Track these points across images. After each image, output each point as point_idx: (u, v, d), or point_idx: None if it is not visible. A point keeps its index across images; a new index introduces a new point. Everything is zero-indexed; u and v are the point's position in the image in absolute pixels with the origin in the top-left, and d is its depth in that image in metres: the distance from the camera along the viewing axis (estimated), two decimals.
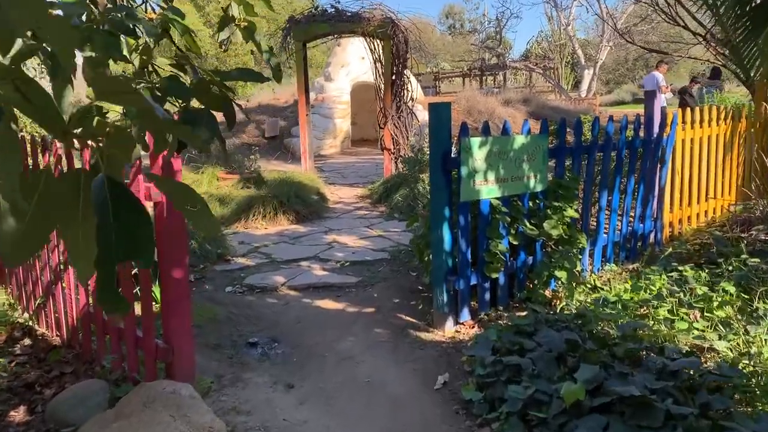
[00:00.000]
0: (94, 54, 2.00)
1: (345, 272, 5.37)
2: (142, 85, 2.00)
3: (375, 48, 9.58)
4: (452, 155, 3.93)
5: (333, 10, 9.48)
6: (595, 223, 5.10)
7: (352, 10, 9.43)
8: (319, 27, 9.42)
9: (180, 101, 2.13)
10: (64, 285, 3.72)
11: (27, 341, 3.88)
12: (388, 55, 9.41)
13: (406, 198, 7.58)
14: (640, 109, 5.63)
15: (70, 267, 3.64)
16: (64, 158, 3.54)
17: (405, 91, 9.69)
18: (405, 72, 9.71)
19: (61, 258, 3.70)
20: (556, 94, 25.97)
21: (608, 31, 25.75)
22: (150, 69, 2.10)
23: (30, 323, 4.14)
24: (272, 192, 7.53)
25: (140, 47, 1.98)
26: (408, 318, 4.27)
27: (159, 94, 2.02)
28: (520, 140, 4.16)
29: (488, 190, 4.00)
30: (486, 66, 27.81)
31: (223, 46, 2.48)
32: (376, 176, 10.60)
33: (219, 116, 2.03)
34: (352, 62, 16.38)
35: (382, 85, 9.61)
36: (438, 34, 53.38)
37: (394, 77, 9.56)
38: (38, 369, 3.45)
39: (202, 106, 2.18)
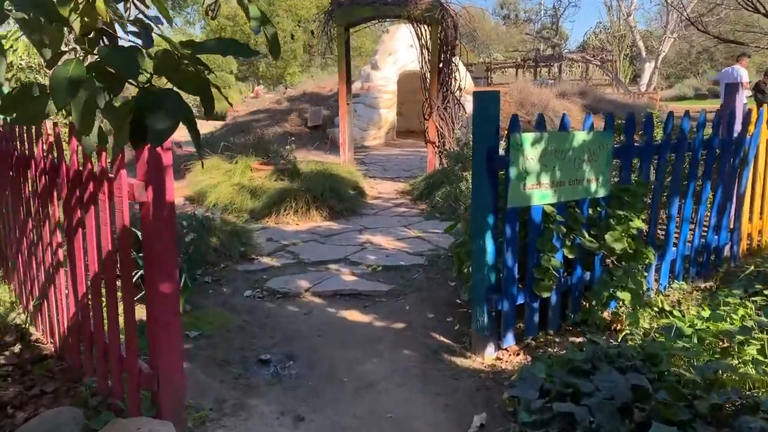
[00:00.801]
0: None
1: (376, 278, 4.86)
2: (76, 56, 1.52)
3: (422, 34, 9.00)
4: (499, 153, 3.36)
5: None
6: (662, 234, 4.44)
7: None
8: (362, 10, 8.89)
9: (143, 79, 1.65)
10: (57, 287, 3.33)
11: (18, 347, 3.50)
12: (436, 41, 8.82)
13: (448, 196, 7.01)
14: (703, 105, 4.95)
15: (62, 268, 3.24)
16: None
17: (452, 81, 9.09)
18: (453, 60, 9.10)
19: (54, 257, 3.30)
20: (614, 88, 24.79)
21: (672, 22, 24.38)
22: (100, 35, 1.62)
23: (26, 326, 3.79)
24: (306, 185, 7.08)
25: (80, 4, 1.49)
26: (442, 338, 3.73)
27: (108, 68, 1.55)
28: (581, 137, 3.55)
29: (541, 194, 3.41)
30: (541, 57, 26.80)
31: (210, 13, 1.98)
32: (420, 170, 10.05)
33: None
34: (400, 50, 15.80)
35: (428, 74, 9.03)
36: (492, 24, 52.20)
37: (441, 65, 8.96)
38: (20, 384, 3.06)
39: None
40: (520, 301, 3.53)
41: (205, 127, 20.79)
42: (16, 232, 3.92)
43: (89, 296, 2.93)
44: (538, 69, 27.21)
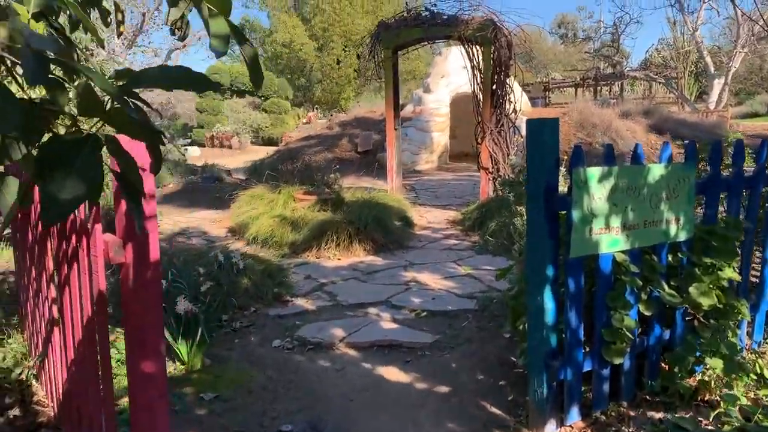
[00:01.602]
0: None
1: (420, 326, 4.34)
2: None
3: (474, 54, 8.51)
4: (559, 191, 2.82)
5: (428, 13, 8.52)
6: (755, 278, 3.76)
7: (449, 13, 8.42)
8: (410, 32, 8.48)
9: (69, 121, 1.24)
10: (53, 346, 2.97)
11: (16, 411, 3.15)
12: (488, 61, 8.31)
13: (501, 229, 6.43)
14: None
15: (58, 326, 2.87)
16: None
17: (507, 102, 8.54)
18: (507, 81, 8.56)
19: (50, 313, 2.94)
20: (679, 106, 23.57)
21: (744, 36, 23.06)
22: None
23: (30, 383, 3.45)
24: (349, 216, 6.64)
25: None
26: (493, 409, 3.17)
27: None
28: (658, 171, 2.97)
29: (611, 240, 2.84)
30: (601, 75, 25.83)
31: (177, 32, 1.56)
32: (473, 197, 9.50)
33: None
34: (453, 72, 15.33)
35: (481, 96, 8.51)
36: (549, 44, 51.25)
37: (494, 86, 8.43)
38: None
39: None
40: (587, 368, 2.95)
41: (258, 153, 20.88)
42: (24, 279, 3.62)
43: (75, 364, 2.54)
44: (599, 88, 26.23)
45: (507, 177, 7.96)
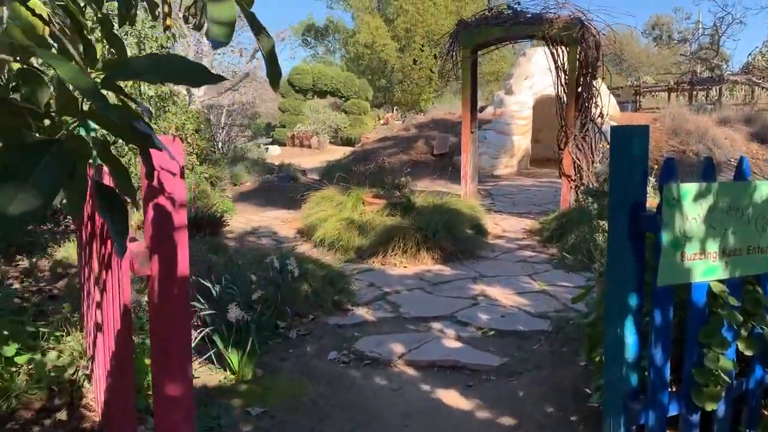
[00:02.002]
0: None
1: (486, 346, 4.03)
2: None
3: (559, 55, 8.05)
4: (646, 209, 2.45)
5: (510, 11, 8.14)
6: None
7: (534, 11, 8.00)
8: (490, 31, 8.13)
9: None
10: (97, 350, 2.88)
11: (63, 414, 3.10)
12: (574, 62, 7.83)
13: (582, 242, 5.98)
14: None
15: (100, 331, 2.78)
16: None
17: (593, 106, 8.03)
18: (594, 83, 8.05)
19: (96, 315, 2.85)
20: None
21: None
22: None
23: (82, 384, 3.40)
24: (418, 222, 6.39)
25: None
26: None
27: None
28: (766, 189, 2.54)
29: (707, 268, 2.45)
30: (697, 79, 24.31)
31: (192, 19, 1.35)
32: (553, 205, 9.02)
33: None
34: (537, 74, 14.78)
35: (565, 98, 8.04)
36: (641, 47, 49.03)
37: (579, 89, 7.95)
38: None
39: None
40: (673, 412, 2.56)
41: (335, 153, 20.98)
42: (82, 277, 3.59)
43: (110, 374, 2.42)
44: (694, 92, 24.69)
45: (590, 186, 7.48)
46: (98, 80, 0.97)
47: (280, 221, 8.69)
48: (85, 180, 1.03)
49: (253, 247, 7.05)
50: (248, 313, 3.33)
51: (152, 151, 1.78)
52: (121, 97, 1.04)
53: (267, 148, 22.61)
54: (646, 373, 2.53)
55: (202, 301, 3.65)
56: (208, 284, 3.59)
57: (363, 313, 4.69)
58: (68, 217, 8.50)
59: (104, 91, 0.97)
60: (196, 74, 0.98)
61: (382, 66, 33.20)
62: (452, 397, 3.39)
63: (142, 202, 1.92)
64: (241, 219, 8.90)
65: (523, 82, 14.95)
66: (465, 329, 4.33)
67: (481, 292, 5.18)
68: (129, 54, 5.60)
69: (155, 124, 8.96)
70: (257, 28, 1.12)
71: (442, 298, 5.06)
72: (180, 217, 1.83)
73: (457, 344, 4.07)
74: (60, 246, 6.65)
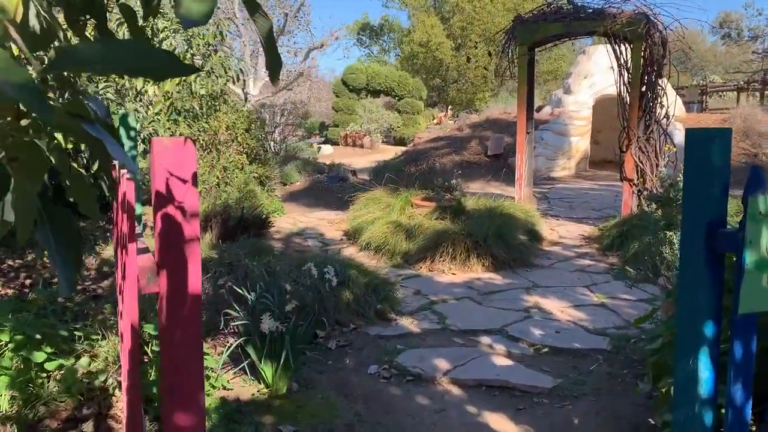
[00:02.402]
0: None
1: (539, 365, 3.73)
2: None
3: (622, 52, 7.60)
4: (726, 226, 2.13)
5: (570, 6, 7.73)
6: None
7: (595, 6, 7.58)
8: (549, 27, 7.74)
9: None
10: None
11: (89, 425, 2.98)
12: (638, 60, 7.37)
13: (645, 252, 5.57)
14: None
15: (122, 341, 2.63)
16: None
17: (658, 107, 7.55)
18: (660, 82, 7.57)
19: (120, 323, 2.71)
20: None
21: None
22: None
23: (114, 392, 3.29)
24: (468, 227, 6.10)
25: None
26: None
27: None
28: None
29: None
30: None
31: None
32: (613, 210, 8.56)
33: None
34: (598, 73, 14.21)
35: (628, 98, 7.59)
36: (707, 45, 47.02)
37: (644, 88, 7.48)
38: None
39: None
40: None
41: (386, 153, 20.79)
42: (117, 278, 3.48)
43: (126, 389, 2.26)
44: (766, 92, 23.38)
45: (654, 191, 7.02)
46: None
47: (328, 222, 8.54)
48: (31, 199, 0.83)
49: (298, 249, 6.92)
50: (283, 324, 3.14)
51: (162, 154, 1.58)
52: (73, 92, 0.84)
53: (320, 148, 22.64)
54: (724, 413, 2.21)
55: (238, 309, 3.49)
56: (244, 292, 3.43)
57: (407, 323, 4.45)
58: None
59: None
60: (161, 65, 0.76)
61: (437, 65, 32.80)
62: (500, 422, 3.12)
63: (152, 210, 1.75)
64: (289, 219, 8.80)
65: (582, 81, 14.40)
66: (516, 345, 4.04)
67: (534, 304, 4.87)
68: (177, 53, 5.46)
69: (206, 122, 8.96)
70: (253, 7, 0.90)
71: (492, 309, 4.77)
72: (192, 229, 1.64)
73: (507, 362, 3.78)
74: (108, 244, 6.66)
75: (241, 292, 3.44)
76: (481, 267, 5.80)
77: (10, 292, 5.48)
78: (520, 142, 8.18)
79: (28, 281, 5.72)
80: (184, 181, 1.64)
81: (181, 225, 1.61)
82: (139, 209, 3.77)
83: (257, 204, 7.47)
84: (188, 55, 5.94)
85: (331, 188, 10.96)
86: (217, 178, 8.63)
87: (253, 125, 9.76)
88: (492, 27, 28.84)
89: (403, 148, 18.52)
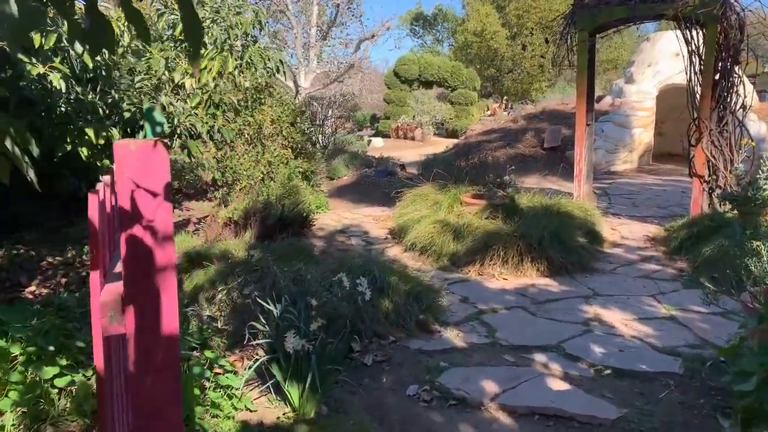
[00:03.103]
0: None
1: (600, 390, 3.28)
2: None
3: (693, 37, 6.95)
4: None
5: None
6: None
7: None
8: (612, 11, 7.14)
9: None
10: None
11: None
12: (712, 45, 6.71)
13: (721, 258, 4.99)
14: None
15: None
16: None
17: (733, 96, 6.87)
18: (736, 69, 6.89)
19: None
20: None
21: None
22: None
23: None
24: (521, 228, 5.64)
25: None
26: None
27: None
28: None
29: None
30: None
31: None
32: (680, 208, 7.93)
33: None
34: (662, 60, 13.38)
35: (699, 87, 6.94)
36: None
37: (717, 76, 6.82)
38: None
39: None
40: None
41: (438, 146, 20.29)
42: None
43: None
44: None
45: (729, 189, 6.38)
46: None
47: (373, 219, 8.20)
48: None
49: (341, 248, 6.61)
50: (310, 342, 2.81)
51: (125, 160, 1.25)
52: None
53: (370, 140, 22.35)
54: None
55: (264, 322, 3.18)
56: (269, 305, 3.11)
57: (452, 336, 4.06)
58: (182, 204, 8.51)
59: None
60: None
61: (492, 54, 32.01)
62: None
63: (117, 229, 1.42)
64: (334, 216, 8.51)
65: (646, 69, 13.58)
66: (574, 365, 3.59)
67: (594, 316, 4.40)
68: (211, 45, 5.18)
69: (251, 116, 8.74)
70: None
71: (547, 321, 4.33)
72: (165, 254, 1.30)
73: (564, 385, 3.35)
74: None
75: (265, 305, 3.12)
76: (536, 272, 5.35)
77: (44, 291, 5.37)
78: (579, 135, 7.61)
79: (64, 280, 5.61)
80: (154, 194, 1.30)
81: (151, 250, 1.28)
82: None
83: (300, 200, 7.19)
84: (226, 45, 5.67)
85: (379, 183, 10.61)
86: (262, 173, 8.40)
87: (298, 118, 9.50)
88: (549, 15, 27.86)
89: (455, 141, 18.01)
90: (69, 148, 4.61)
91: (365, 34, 21.76)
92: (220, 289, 3.72)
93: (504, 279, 5.29)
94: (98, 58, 4.62)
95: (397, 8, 72.43)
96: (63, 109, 4.72)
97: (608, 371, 3.50)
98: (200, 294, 4.36)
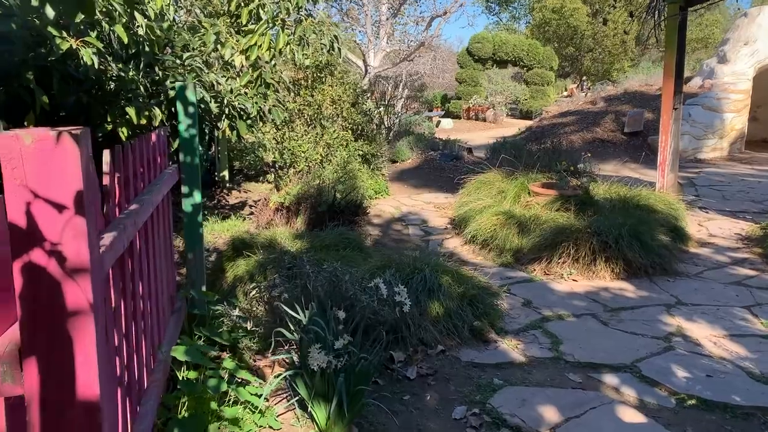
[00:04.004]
0: None
1: (683, 425, 2.76)
2: None
3: None
4: None
5: None
6: None
7: None
8: None
9: None
10: None
11: None
12: None
13: None
14: None
15: None
16: None
17: None
18: None
19: None
20: None
21: None
22: None
23: None
24: (596, 223, 5.07)
25: None
26: None
27: None
28: None
29: None
30: None
31: None
32: None
33: None
34: (762, 38, 12.19)
35: None
36: None
37: None
38: None
39: None
40: None
41: (510, 128, 19.49)
42: None
43: None
44: None
45: None
46: None
47: (434, 207, 7.76)
48: None
49: (396, 238, 6.22)
50: (338, 357, 2.44)
51: (17, 162, 0.89)
52: None
53: (439, 122, 21.74)
54: None
55: (291, 328, 2.83)
56: (298, 312, 2.75)
57: (510, 347, 3.60)
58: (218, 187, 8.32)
59: None
60: None
61: (571, 32, 30.51)
62: None
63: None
64: (393, 202, 8.11)
65: (741, 48, 12.39)
66: (651, 391, 3.07)
67: (677, 330, 3.83)
68: (263, 19, 4.84)
69: (311, 96, 8.43)
70: None
71: (621, 333, 3.79)
72: (80, 291, 0.94)
73: (638, 417, 2.85)
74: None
75: (292, 313, 2.76)
76: (610, 273, 4.78)
77: None
78: (665, 120, 6.87)
79: None
80: (61, 207, 0.93)
81: (59, 285, 0.92)
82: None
83: (355, 185, 6.83)
84: (278, 20, 5.34)
85: (444, 167, 10.12)
86: (321, 155, 8.10)
87: (360, 98, 9.12)
88: None
89: (529, 123, 17.20)
90: (110, 127, 4.41)
91: (437, 11, 21.05)
92: (252, 285, 3.41)
93: (573, 280, 4.76)
94: (141, 33, 4.37)
95: None
96: (111, 86, 4.52)
97: (693, 401, 2.97)
98: (238, 287, 4.08)
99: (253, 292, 3.28)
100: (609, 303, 4.31)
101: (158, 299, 2.85)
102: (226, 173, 8.50)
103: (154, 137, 3.05)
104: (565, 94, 24.80)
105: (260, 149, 9.61)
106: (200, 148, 8.46)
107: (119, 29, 3.66)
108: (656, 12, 6.73)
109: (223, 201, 7.73)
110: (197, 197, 3.53)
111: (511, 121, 23.42)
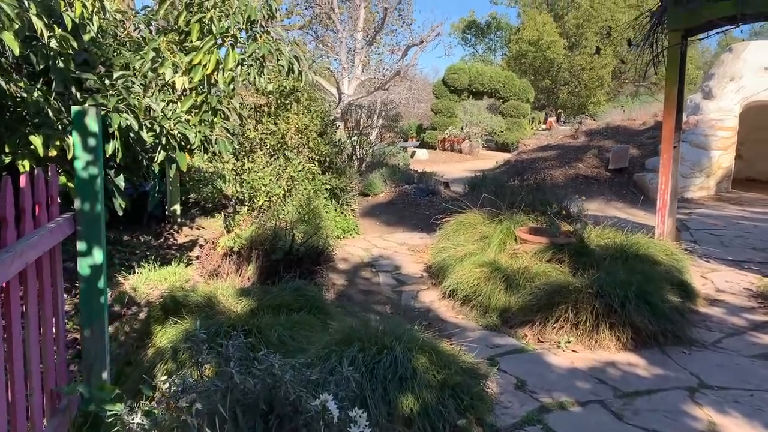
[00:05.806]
0: None
1: None
2: None
3: None
4: None
5: None
6: None
7: None
8: (714, 8, 5.74)
9: None
10: None
11: None
12: None
13: None
14: None
15: None
16: None
17: None
18: None
19: None
20: None
21: None
22: None
23: None
24: (597, 281, 4.32)
25: None
26: None
27: None
28: None
29: None
30: None
31: None
32: None
33: None
34: (747, 74, 11.82)
35: None
36: None
37: None
38: None
39: None
40: None
41: (487, 160, 18.91)
42: None
43: None
44: None
45: None
46: None
47: (408, 250, 6.98)
48: None
49: (364, 289, 5.41)
50: None
51: None
52: None
53: (414, 152, 21.11)
54: None
55: None
56: None
57: None
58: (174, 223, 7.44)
59: None
60: None
61: (548, 65, 30.43)
62: None
63: None
64: (362, 243, 7.31)
65: (727, 84, 12.00)
66: None
67: (709, 428, 3.06)
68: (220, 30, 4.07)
69: (274, 124, 7.65)
70: None
71: (639, 431, 3.02)
72: None
73: None
74: (133, 272, 5.44)
75: None
76: (615, 342, 4.02)
77: None
78: (665, 158, 6.18)
79: None
80: None
81: None
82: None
83: (319, 226, 6.03)
84: (228, 37, 4.58)
85: (419, 203, 9.37)
86: (283, 189, 7.29)
87: (329, 128, 8.37)
88: (613, 23, 26.22)
89: (506, 155, 16.62)
90: (8, 160, 3.56)
91: (413, 40, 20.58)
92: (164, 378, 2.56)
93: (573, 351, 3.98)
94: (53, 45, 3.56)
95: (449, 13, 70.78)
96: (10, 109, 3.69)
97: None
98: (158, 365, 3.22)
99: (166, 385, 2.46)
100: (619, 385, 3.54)
101: (20, 403, 2.01)
102: (177, 207, 7.62)
103: (23, 180, 2.23)
104: (543, 127, 24.43)
105: (219, 180, 8.79)
106: (152, 181, 7.60)
107: (7, 37, 2.86)
108: (655, 41, 6.11)
109: (171, 240, 6.85)
110: (98, 256, 2.69)
111: (488, 153, 22.90)
